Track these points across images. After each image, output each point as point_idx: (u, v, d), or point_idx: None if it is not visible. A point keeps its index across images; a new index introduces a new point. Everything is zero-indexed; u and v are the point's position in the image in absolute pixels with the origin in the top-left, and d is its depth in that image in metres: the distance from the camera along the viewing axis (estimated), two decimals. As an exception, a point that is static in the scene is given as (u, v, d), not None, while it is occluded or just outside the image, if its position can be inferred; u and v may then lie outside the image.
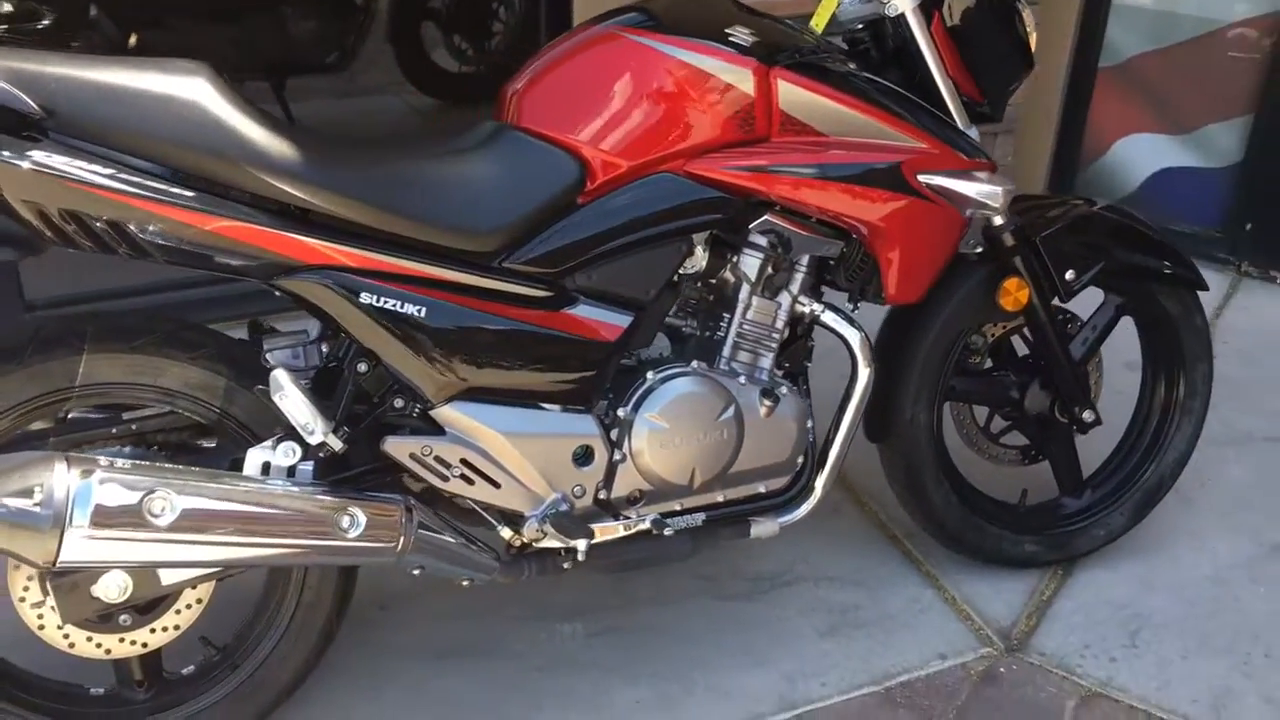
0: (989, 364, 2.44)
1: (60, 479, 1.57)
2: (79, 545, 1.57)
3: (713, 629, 2.32)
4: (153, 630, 1.87)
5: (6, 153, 1.57)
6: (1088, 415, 2.37)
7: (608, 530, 1.98)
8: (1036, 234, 2.22)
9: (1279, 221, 3.76)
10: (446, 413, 1.86)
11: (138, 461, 1.67)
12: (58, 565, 1.58)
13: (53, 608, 1.77)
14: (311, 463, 1.80)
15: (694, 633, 2.31)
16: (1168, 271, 2.33)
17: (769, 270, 2.02)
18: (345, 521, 1.74)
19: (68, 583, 1.74)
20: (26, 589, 1.79)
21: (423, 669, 2.19)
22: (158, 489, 1.61)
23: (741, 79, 1.90)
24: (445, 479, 1.87)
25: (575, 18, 3.34)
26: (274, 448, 1.78)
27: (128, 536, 1.60)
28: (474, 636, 2.27)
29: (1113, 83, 3.96)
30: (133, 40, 4.13)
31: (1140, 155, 3.96)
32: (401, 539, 1.79)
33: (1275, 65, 3.67)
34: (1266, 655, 2.32)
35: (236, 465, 1.85)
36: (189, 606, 1.88)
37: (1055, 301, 2.29)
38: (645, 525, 1.99)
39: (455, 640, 2.26)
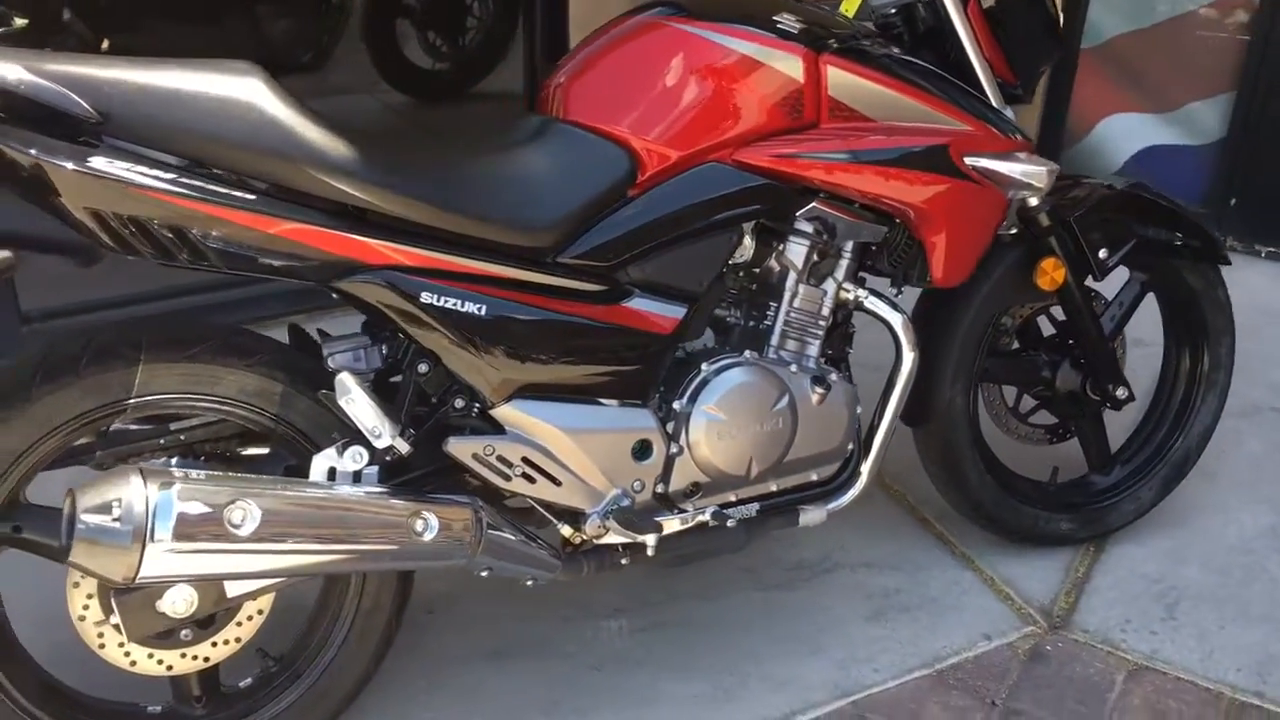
0: (1015, 345, 2.46)
1: (138, 493, 1.53)
2: (160, 560, 1.53)
3: (759, 619, 2.32)
4: (214, 644, 1.83)
5: (67, 159, 1.52)
6: (1121, 392, 2.40)
7: (667, 524, 1.97)
8: (1070, 214, 2.23)
9: (1262, 197, 3.82)
10: (507, 411, 1.83)
11: (210, 472, 1.63)
12: (137, 581, 1.54)
13: (116, 626, 1.73)
14: (375, 467, 1.77)
15: (741, 624, 2.30)
16: (1193, 246, 2.36)
17: (814, 258, 2.01)
18: (419, 525, 1.72)
19: (134, 599, 1.70)
20: (86, 607, 1.74)
21: (478, 671, 2.16)
22: (238, 499, 1.58)
23: (791, 66, 1.89)
24: (507, 478, 1.85)
25: (571, 14, 3.32)
26: (340, 453, 1.75)
27: (209, 548, 1.56)
28: (523, 637, 2.24)
29: (1095, 63, 4.00)
30: (105, 44, 4.05)
31: (1123, 134, 4.01)
32: (474, 540, 1.76)
33: (1255, 42, 3.73)
34: (1300, 621, 2.37)
35: (290, 472, 1.82)
36: (250, 618, 1.84)
37: (1088, 281, 2.31)
38: (705, 517, 1.98)
39: (505, 642, 2.23)
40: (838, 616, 2.33)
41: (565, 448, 1.87)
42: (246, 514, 1.57)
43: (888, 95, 1.94)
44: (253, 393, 1.77)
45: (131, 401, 1.71)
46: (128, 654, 1.78)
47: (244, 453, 1.88)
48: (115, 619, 1.71)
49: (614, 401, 1.91)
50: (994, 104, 2.09)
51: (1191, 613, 2.38)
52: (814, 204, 1.97)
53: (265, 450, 1.87)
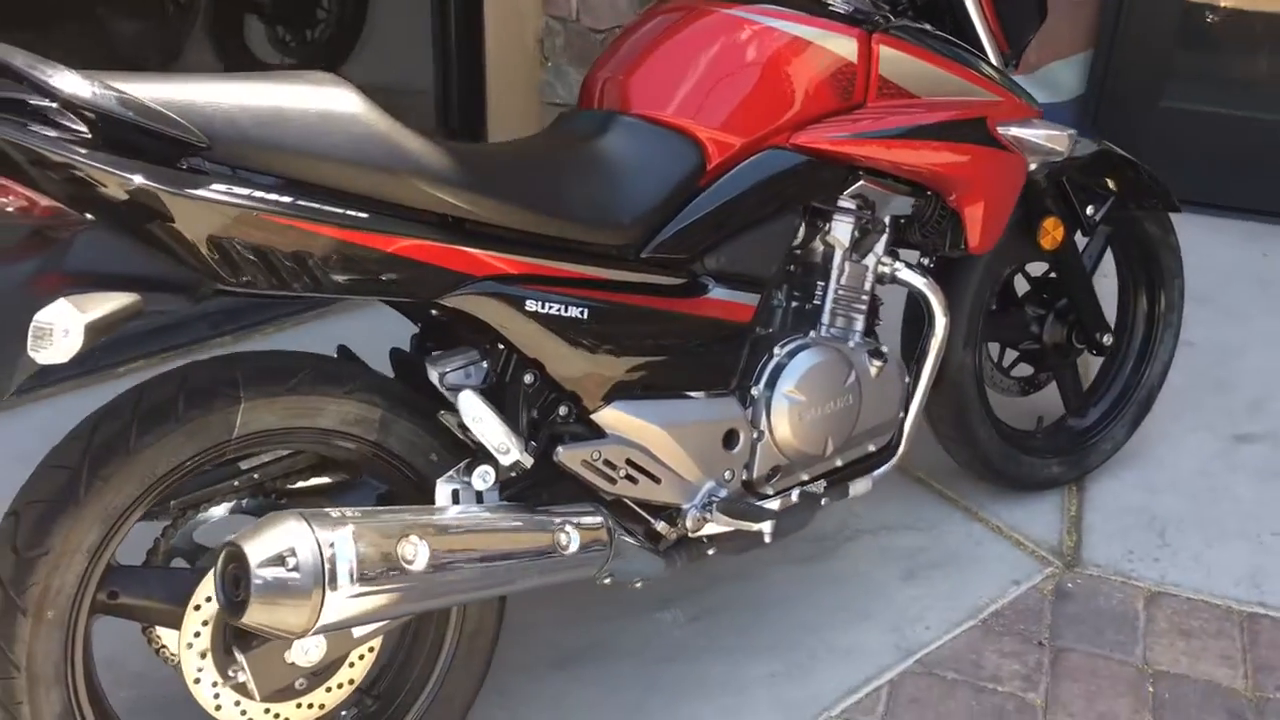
0: (993, 304, 2.57)
1: (307, 539, 1.43)
2: (340, 605, 1.44)
3: (802, 593, 2.36)
4: (328, 689, 1.74)
5: (186, 186, 1.41)
6: (1106, 339, 2.55)
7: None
8: (1062, 174, 2.35)
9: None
10: (608, 414, 1.80)
11: (359, 509, 1.54)
12: (313, 631, 1.44)
13: (237, 686, 1.62)
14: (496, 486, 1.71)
15: (787, 600, 2.34)
16: (1155, 198, 2.52)
17: (857, 234, 2.06)
18: (564, 539, 1.68)
19: (263, 654, 1.60)
20: (201, 669, 1.63)
21: (551, 681, 2.12)
22: (407, 533, 1.50)
23: (845, 47, 1.92)
24: (613, 481, 1.82)
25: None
26: (465, 473, 1.68)
27: (387, 587, 1.47)
28: (582, 642, 2.21)
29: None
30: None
31: (991, 96, 4.21)
32: (609, 547, 1.73)
33: (1108, 3, 3.99)
34: (1273, 534, 2.58)
35: (384, 500, 1.74)
36: (361, 658, 1.75)
37: (1075, 236, 2.44)
38: (794, 499, 2.00)
39: (567, 649, 2.19)
40: (875, 581, 2.40)
41: (664, 445, 1.86)
42: (417, 548, 1.50)
43: (931, 71, 2.00)
44: (352, 421, 1.69)
45: (233, 441, 1.60)
46: (244, 712, 1.67)
47: (311, 484, 1.80)
48: (241, 677, 1.61)
49: (701, 393, 1.91)
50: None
51: (1180, 537, 2.56)
52: (862, 182, 2.01)
53: (333, 481, 1.79)
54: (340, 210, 1.52)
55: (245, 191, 1.45)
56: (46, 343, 1.35)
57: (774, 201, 1.92)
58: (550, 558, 1.66)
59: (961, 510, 2.62)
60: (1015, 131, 2.09)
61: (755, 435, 1.96)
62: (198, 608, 1.61)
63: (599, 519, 1.74)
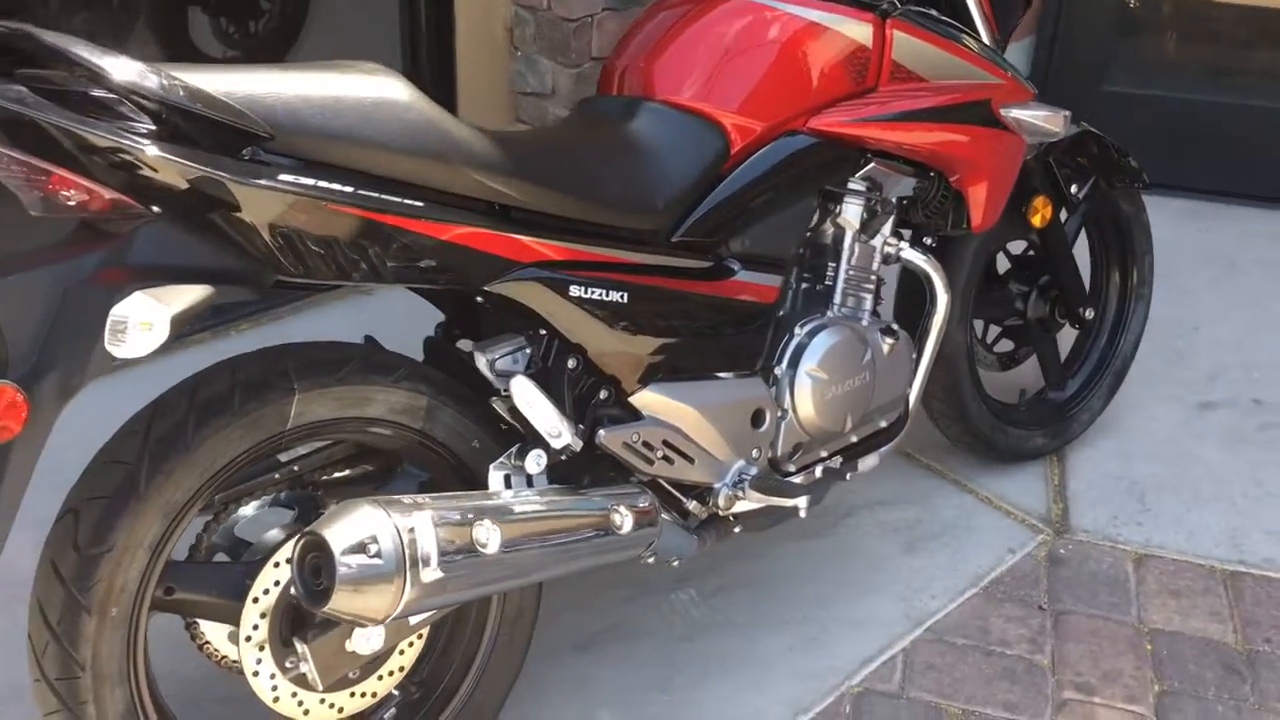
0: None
1: (387, 526, 1.44)
2: (420, 591, 1.45)
3: (809, 569, 2.41)
4: (379, 677, 1.75)
5: (255, 176, 1.40)
6: (1089, 313, 2.64)
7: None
8: (1048, 154, 2.43)
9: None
10: (645, 396, 1.83)
11: (427, 496, 1.55)
12: (394, 617, 1.45)
13: (297, 677, 1.62)
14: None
15: (795, 576, 2.39)
16: (1128, 175, 2.62)
17: (865, 216, 2.11)
18: (618, 519, 1.70)
19: (326, 643, 1.60)
20: (260, 661, 1.62)
21: (575, 664, 2.15)
22: (480, 517, 1.51)
23: (861, 32, 1.97)
24: (650, 462, 1.85)
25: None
26: (519, 458, 1.69)
27: (463, 571, 1.48)
28: (602, 624, 2.24)
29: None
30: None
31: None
32: (657, 527, 1.76)
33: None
34: (1244, 495, 2.69)
35: (426, 487, 1.75)
36: (410, 645, 1.76)
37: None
38: (818, 474, 2.05)
39: (588, 631, 2.22)
40: (878, 554, 2.46)
41: (697, 425, 1.89)
42: (489, 532, 1.51)
43: (940, 55, 2.05)
44: (400, 409, 1.69)
45: (286, 433, 1.60)
46: (301, 703, 1.67)
47: (348, 475, 1.80)
48: (303, 668, 1.61)
49: (729, 374, 1.95)
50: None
51: (1159, 502, 2.67)
52: (873, 164, 2.06)
53: (365, 470, 1.80)
54: (398, 199, 1.52)
55: (310, 181, 1.45)
56: (125, 337, 1.34)
57: (794, 185, 1.96)
58: (606, 538, 1.69)
59: (951, 483, 2.69)
60: (1016, 113, 2.15)
61: (780, 414, 2.00)
62: (256, 600, 1.61)
63: (647, 499, 1.77)
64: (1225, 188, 4.01)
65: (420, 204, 1.55)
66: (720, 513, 1.97)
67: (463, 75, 3.29)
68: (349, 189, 1.48)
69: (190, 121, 1.38)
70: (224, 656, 1.71)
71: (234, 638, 1.70)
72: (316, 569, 1.43)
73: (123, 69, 1.34)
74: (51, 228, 1.46)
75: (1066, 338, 2.84)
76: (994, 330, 2.74)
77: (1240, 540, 2.56)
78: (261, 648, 1.62)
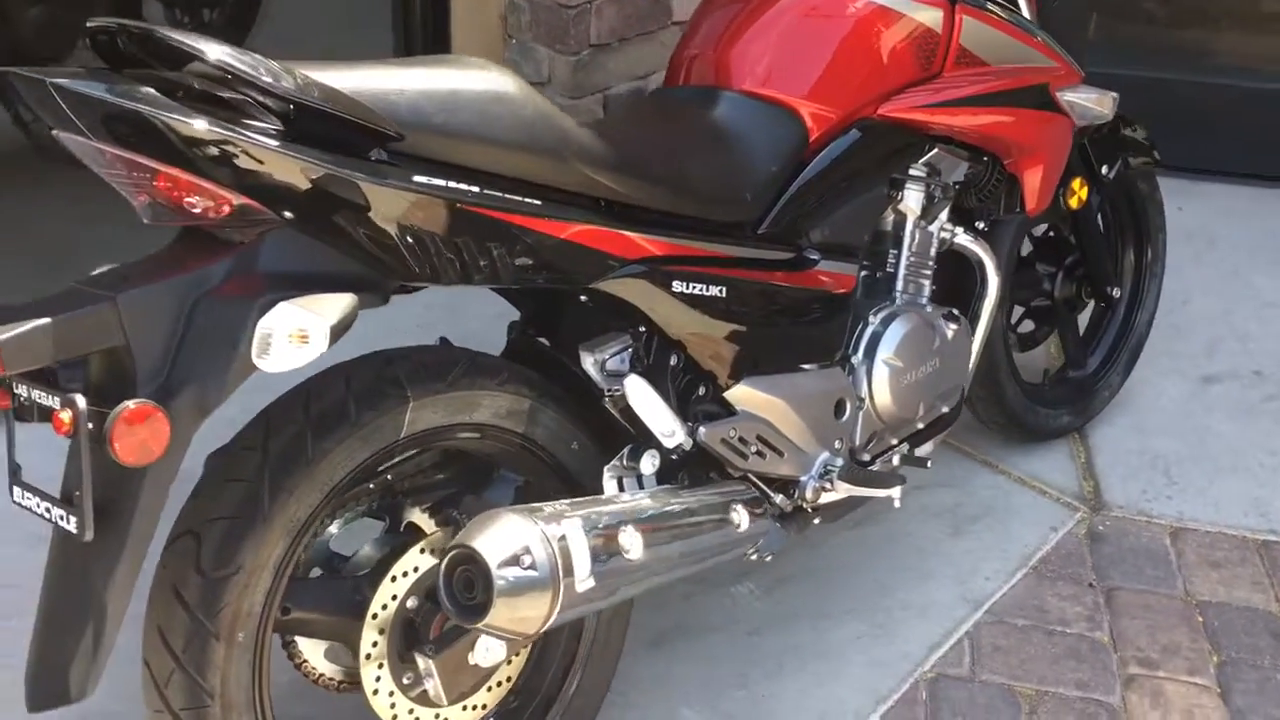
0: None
1: (539, 536, 1.39)
2: (573, 599, 1.41)
3: (863, 557, 2.41)
4: (489, 689, 1.70)
5: (388, 177, 1.36)
6: (1116, 291, 2.67)
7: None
8: (1082, 135, 2.45)
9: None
10: (739, 391, 1.81)
11: (562, 503, 1.51)
12: (547, 628, 1.41)
13: (422, 693, 1.57)
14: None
15: (850, 565, 2.39)
16: (1146, 154, 2.65)
17: (926, 201, 2.11)
18: (735, 517, 1.68)
19: (452, 657, 1.55)
20: (379, 679, 1.57)
21: (650, 662, 2.12)
22: (624, 522, 1.47)
23: (932, 17, 1.96)
24: (745, 457, 1.82)
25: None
26: (634, 459, 1.66)
27: (611, 577, 1.45)
28: (671, 621, 2.21)
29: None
30: None
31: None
32: (766, 522, 1.74)
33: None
34: (1261, 466, 2.76)
35: (525, 491, 1.71)
36: (517, 654, 1.72)
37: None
38: (896, 462, 2.05)
39: (659, 629, 2.19)
40: (926, 538, 2.47)
41: (786, 418, 1.87)
42: (632, 537, 1.48)
43: (1004, 39, 2.06)
44: (505, 413, 1.65)
45: (402, 442, 1.55)
46: (418, 719, 1.62)
47: (439, 482, 1.75)
48: (427, 684, 1.56)
49: (813, 366, 1.93)
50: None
51: (1183, 475, 2.72)
52: (936, 150, 2.06)
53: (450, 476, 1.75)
54: (521, 198, 1.48)
55: (441, 182, 1.40)
56: (272, 349, 1.28)
57: (869, 172, 1.96)
58: (726, 535, 1.66)
59: (982, 465, 2.71)
60: (1070, 96, 2.17)
61: (858, 403, 1.99)
62: (374, 616, 1.55)
63: (756, 495, 1.75)
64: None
65: (539, 202, 1.50)
66: (805, 505, 1.95)
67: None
68: (476, 189, 1.44)
69: (321, 122, 1.32)
70: (321, 674, 1.66)
71: (331, 654, 1.65)
72: (469, 583, 1.38)
73: (253, 67, 1.28)
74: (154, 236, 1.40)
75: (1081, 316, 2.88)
76: (1016, 310, 2.76)
77: (1265, 509, 2.62)
78: (380, 665, 1.57)
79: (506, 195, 1.46)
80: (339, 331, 1.30)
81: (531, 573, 1.37)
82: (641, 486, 1.68)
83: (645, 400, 1.63)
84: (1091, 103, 2.21)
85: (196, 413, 1.31)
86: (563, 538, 1.40)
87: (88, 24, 1.38)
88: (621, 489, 1.66)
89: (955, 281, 2.38)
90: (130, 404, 1.25)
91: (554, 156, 1.51)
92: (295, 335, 1.28)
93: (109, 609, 1.32)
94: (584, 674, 1.83)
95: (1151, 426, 2.89)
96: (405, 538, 1.61)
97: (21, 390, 1.32)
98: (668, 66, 1.99)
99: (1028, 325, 2.76)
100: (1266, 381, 3.09)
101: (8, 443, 1.40)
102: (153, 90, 1.28)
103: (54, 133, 1.31)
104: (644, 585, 1.55)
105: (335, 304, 1.31)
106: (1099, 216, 2.64)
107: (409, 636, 1.58)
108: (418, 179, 1.38)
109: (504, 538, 1.39)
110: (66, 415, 1.26)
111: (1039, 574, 2.40)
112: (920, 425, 2.15)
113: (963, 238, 2.19)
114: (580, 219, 1.55)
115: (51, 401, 1.28)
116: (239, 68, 1.27)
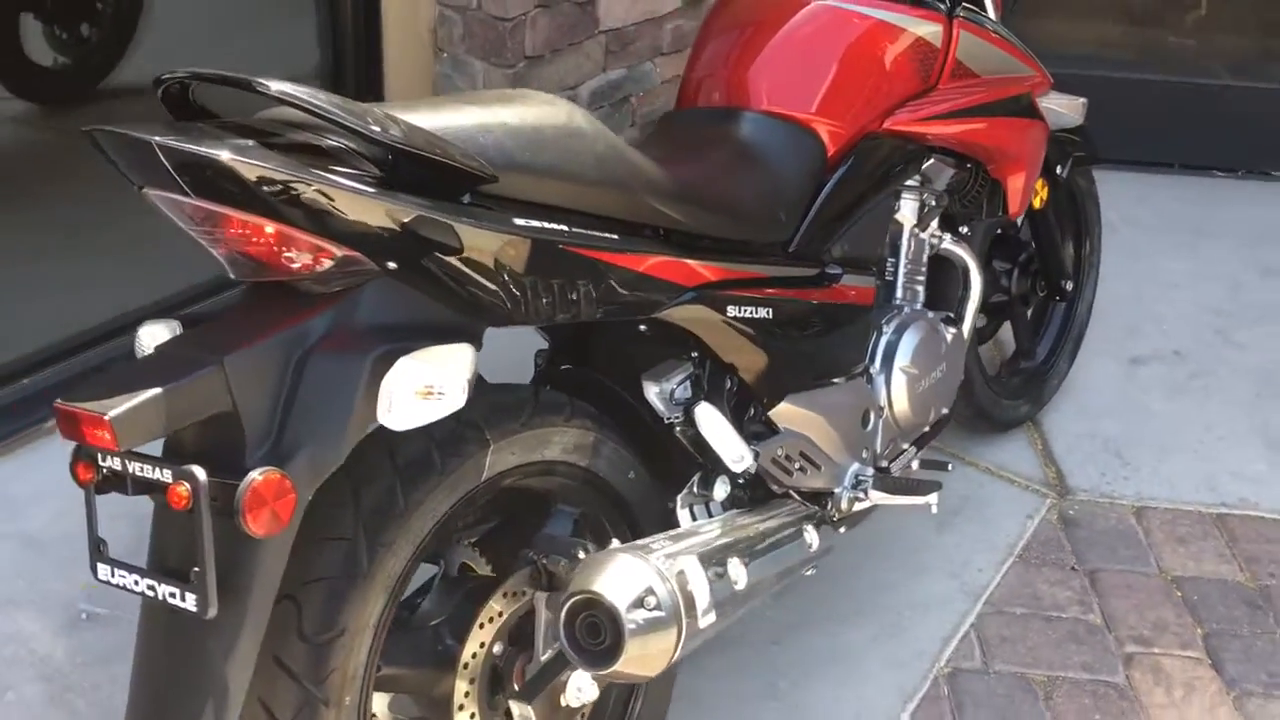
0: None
1: (657, 575, 1.38)
2: (693, 635, 1.40)
3: (856, 558, 2.44)
4: (567, 724, 1.67)
5: (491, 221, 1.33)
6: (1069, 285, 2.78)
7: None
8: (1047, 138, 2.54)
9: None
10: (782, 410, 1.83)
11: (663, 538, 1.49)
12: (669, 666, 1.40)
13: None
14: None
15: (850, 566, 2.42)
16: (1087, 152, 2.77)
17: (920, 210, 2.16)
18: (807, 536, 1.69)
19: (545, 700, 1.53)
20: (472, 722, 1.54)
21: (681, 679, 2.09)
22: (729, 555, 1.47)
23: (932, 32, 2.01)
24: (790, 474, 1.85)
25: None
26: (706, 487, 1.66)
27: (724, 610, 1.45)
28: (689, 636, 2.22)
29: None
30: None
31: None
32: (828, 538, 1.76)
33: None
34: (1200, 442, 2.92)
35: (579, 525, 1.70)
36: (590, 683, 1.70)
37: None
38: (915, 466, 2.09)
39: (679, 645, 2.19)
40: (914, 535, 2.53)
41: (824, 432, 1.90)
42: (738, 567, 1.48)
43: (993, 51, 2.12)
44: (573, 448, 1.63)
45: (482, 486, 1.51)
46: (505, 765, 1.59)
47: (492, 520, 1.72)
48: (526, 726, 1.54)
49: (840, 379, 1.96)
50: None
51: (1134, 456, 2.85)
52: (932, 160, 2.11)
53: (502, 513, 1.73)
54: (604, 234, 1.47)
55: (538, 223, 1.38)
56: (395, 406, 1.24)
57: (880, 185, 2.00)
58: (804, 553, 1.69)
59: (949, 457, 2.79)
60: (1047, 102, 2.25)
61: (879, 412, 2.03)
62: (465, 666, 1.52)
63: (815, 512, 1.77)
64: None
65: (616, 237, 1.49)
66: (837, 516, 1.98)
67: (391, 83, 3.15)
68: (565, 228, 1.42)
69: (419, 167, 1.28)
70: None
71: (395, 706, 1.61)
72: (593, 628, 1.36)
73: (355, 114, 1.24)
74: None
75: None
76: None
77: (1214, 484, 2.77)
78: (472, 715, 1.53)
79: (592, 232, 1.45)
80: (473, 384, 1.26)
81: (658, 613, 1.36)
82: (710, 514, 1.68)
83: (717, 427, 1.64)
84: (1064, 108, 2.30)
85: (314, 476, 1.26)
86: (681, 573, 1.40)
87: (160, 76, 1.31)
88: (694, 517, 1.66)
89: (936, 286, 2.45)
90: (257, 474, 1.19)
91: (626, 189, 1.50)
92: (423, 391, 1.24)
93: (230, 687, 1.26)
94: (646, 698, 1.82)
95: (1095, 410, 3.02)
96: (483, 582, 1.58)
97: (110, 463, 1.25)
98: (680, 89, 1.99)
99: (980, 320, 2.85)
100: (1187, 360, 3.26)
101: (88, 518, 1.32)
102: (249, 141, 1.23)
103: (143, 190, 1.24)
104: (740, 613, 1.56)
105: (459, 356, 1.27)
106: (1051, 213, 2.75)
107: (494, 683, 1.55)
108: (517, 221, 1.35)
109: (626, 580, 1.37)
110: (184, 489, 1.19)
111: (1025, 561, 2.49)
112: (927, 428, 2.20)
113: (949, 243, 2.26)
114: (653, 250, 1.54)
115: (160, 475, 1.21)
116: (341, 116, 1.22)
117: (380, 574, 1.39)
